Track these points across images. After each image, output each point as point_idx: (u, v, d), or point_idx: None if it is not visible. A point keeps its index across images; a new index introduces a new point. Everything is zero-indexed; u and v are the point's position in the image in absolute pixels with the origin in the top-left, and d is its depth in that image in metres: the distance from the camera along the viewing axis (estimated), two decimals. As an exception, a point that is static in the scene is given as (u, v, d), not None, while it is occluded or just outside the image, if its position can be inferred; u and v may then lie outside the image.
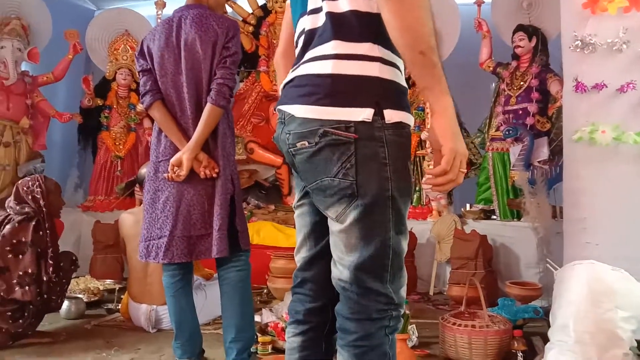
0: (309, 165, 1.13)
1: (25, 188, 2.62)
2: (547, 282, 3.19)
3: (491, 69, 3.93)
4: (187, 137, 2.06)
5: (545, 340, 2.14)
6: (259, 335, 2.42)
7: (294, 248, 1.34)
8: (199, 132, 2.02)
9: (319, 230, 1.23)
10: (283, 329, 2.47)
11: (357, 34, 1.09)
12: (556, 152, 3.45)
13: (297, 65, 1.18)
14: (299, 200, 1.27)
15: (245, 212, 4.64)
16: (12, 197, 2.61)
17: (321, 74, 1.09)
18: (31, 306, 2.42)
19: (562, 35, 2.10)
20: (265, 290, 3.56)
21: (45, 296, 2.47)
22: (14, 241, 2.44)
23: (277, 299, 3.35)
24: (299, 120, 1.11)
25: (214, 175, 2.02)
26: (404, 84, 1.14)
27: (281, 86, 1.25)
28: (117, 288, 3.24)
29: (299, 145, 1.12)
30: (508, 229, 3.50)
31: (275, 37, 4.98)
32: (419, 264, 3.74)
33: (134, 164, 4.88)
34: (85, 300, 3.16)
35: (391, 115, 1.08)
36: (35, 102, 4.60)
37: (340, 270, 1.12)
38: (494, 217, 3.73)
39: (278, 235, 4.07)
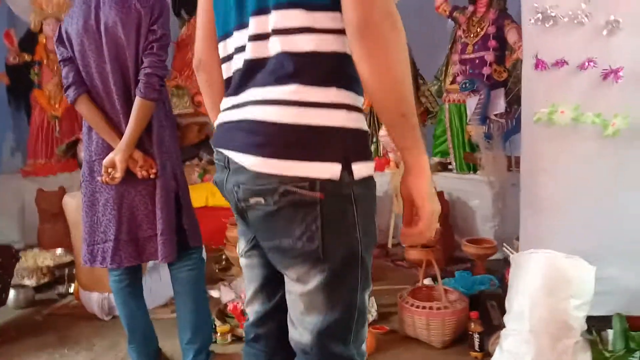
0: (264, 224, 0.99)
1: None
2: (502, 234, 3.25)
3: (447, 13, 3.73)
4: (120, 134, 1.86)
5: (500, 305, 2.19)
6: (217, 323, 2.38)
7: None
8: (130, 130, 1.83)
9: (272, 284, 1.12)
10: (242, 312, 2.44)
11: (321, 78, 0.94)
12: (512, 103, 3.38)
13: (241, 101, 1.00)
14: (248, 250, 1.15)
15: (198, 169, 4.53)
16: None
17: (280, 122, 0.93)
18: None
19: (522, 7, 1.95)
20: (223, 256, 3.50)
21: (-15, 300, 2.34)
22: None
23: (235, 266, 3.31)
24: (251, 174, 0.95)
25: (152, 176, 1.86)
26: (366, 127, 1.01)
27: (218, 122, 1.07)
28: (67, 271, 3.09)
29: (252, 201, 0.97)
30: (464, 182, 3.49)
31: (217, -24, 4.57)
32: (377, 215, 3.73)
33: (74, 122, 4.55)
34: (34, 284, 3.03)
35: (360, 170, 0.95)
36: (-48, 63, 4.15)
37: (300, 333, 1.03)
38: (451, 168, 3.71)
39: (234, 195, 3.95)
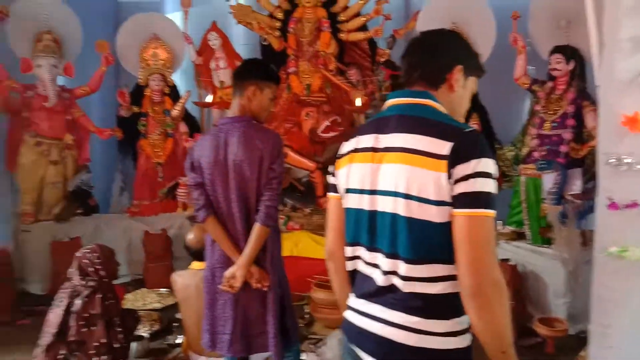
0: None
1: (85, 261, 2.86)
2: (574, 312, 3.38)
3: (527, 86, 3.86)
4: (238, 249, 2.23)
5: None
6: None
7: None
8: (249, 249, 2.19)
9: None
10: (329, 386, 2.77)
11: (440, 313, 1.22)
12: (589, 182, 3.49)
13: (372, 314, 1.29)
14: None
15: (282, 216, 4.90)
16: (75, 270, 2.86)
17: (404, 343, 1.23)
18: (108, 372, 2.75)
19: (599, 150, 2.13)
20: (305, 311, 3.83)
21: (119, 361, 2.80)
22: (85, 315, 2.72)
23: (318, 322, 3.65)
24: None
25: (265, 289, 2.21)
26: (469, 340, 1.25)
27: (350, 319, 1.37)
28: (175, 324, 3.56)
29: None
30: (538, 255, 3.61)
31: (304, 36, 4.92)
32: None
33: (174, 168, 5.08)
34: (148, 331, 3.51)
35: None
36: (75, 118, 4.76)
37: None
38: (525, 237, 3.83)
39: (316, 247, 4.29)
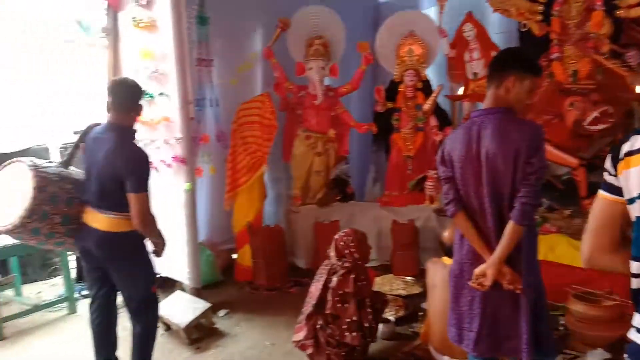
0: None
1: (342, 243, 3.15)
2: None
3: None
4: (489, 246, 2.16)
5: None
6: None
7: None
8: (501, 248, 2.10)
9: None
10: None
11: None
12: None
13: None
14: None
15: (537, 217, 4.53)
16: (333, 250, 3.17)
17: None
18: (357, 347, 2.98)
19: None
20: (560, 322, 3.49)
21: (368, 339, 3.01)
22: (340, 292, 3.00)
23: (575, 336, 3.28)
24: None
25: (517, 291, 2.09)
26: None
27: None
28: (421, 314, 3.64)
29: None
30: None
31: (570, 17, 4.42)
32: None
33: (423, 161, 5.17)
34: (394, 317, 3.68)
35: None
36: (338, 114, 5.23)
37: None
38: None
39: (575, 254, 3.85)
